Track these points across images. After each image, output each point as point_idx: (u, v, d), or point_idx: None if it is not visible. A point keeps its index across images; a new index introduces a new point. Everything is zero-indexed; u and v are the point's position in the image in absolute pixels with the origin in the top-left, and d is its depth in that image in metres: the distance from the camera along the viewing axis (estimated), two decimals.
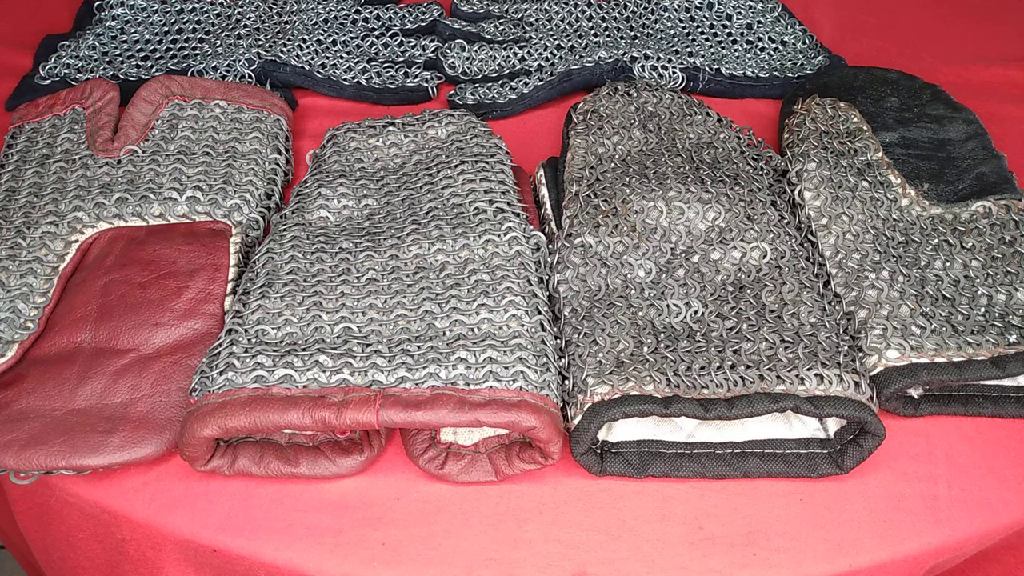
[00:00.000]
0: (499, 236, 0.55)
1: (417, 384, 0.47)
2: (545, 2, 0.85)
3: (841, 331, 0.52)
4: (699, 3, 0.84)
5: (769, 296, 0.53)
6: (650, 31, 0.83)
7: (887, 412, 0.52)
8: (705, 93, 0.77)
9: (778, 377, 0.48)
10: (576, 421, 0.48)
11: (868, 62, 0.78)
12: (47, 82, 0.75)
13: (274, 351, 0.48)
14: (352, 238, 0.56)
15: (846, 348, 0.51)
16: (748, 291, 0.54)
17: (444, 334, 0.49)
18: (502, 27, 0.83)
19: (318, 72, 0.77)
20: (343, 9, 0.83)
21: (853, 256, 0.56)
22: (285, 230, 0.57)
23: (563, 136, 0.66)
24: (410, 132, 0.65)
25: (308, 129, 0.74)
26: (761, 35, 0.82)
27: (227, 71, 0.75)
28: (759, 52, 0.81)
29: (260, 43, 0.77)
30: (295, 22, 0.81)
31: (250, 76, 0.75)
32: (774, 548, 0.46)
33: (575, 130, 0.65)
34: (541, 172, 0.64)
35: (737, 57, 0.80)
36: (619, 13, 0.85)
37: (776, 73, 0.79)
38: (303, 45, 0.78)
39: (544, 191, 0.63)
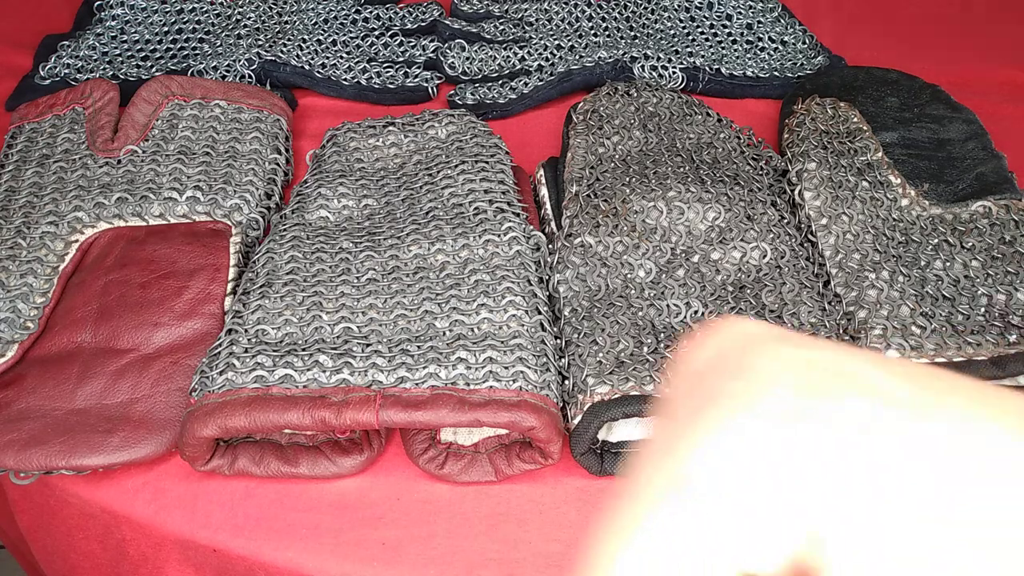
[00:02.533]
0: (499, 236, 0.55)
1: (417, 384, 0.47)
2: (545, 2, 0.85)
3: (841, 331, 0.52)
4: (699, 3, 0.84)
5: (769, 296, 0.53)
6: (650, 31, 0.83)
7: None
8: (705, 93, 0.77)
9: None
10: (576, 421, 0.48)
11: (868, 62, 0.78)
12: (47, 82, 0.75)
13: (274, 351, 0.48)
14: (352, 238, 0.56)
15: None
16: (748, 291, 0.54)
17: (444, 334, 0.49)
18: (502, 27, 0.83)
19: (318, 72, 0.77)
20: (343, 9, 0.83)
21: (853, 256, 0.56)
22: (285, 230, 0.57)
23: (563, 136, 0.66)
24: (410, 132, 0.65)
25: (308, 129, 0.74)
26: (761, 35, 0.82)
27: (227, 71, 0.75)
28: (759, 52, 0.81)
29: (260, 43, 0.77)
30: (295, 22, 0.81)
31: (250, 76, 0.75)
32: None
33: (575, 130, 0.65)
34: (541, 172, 0.64)
35: (737, 57, 0.80)
36: (619, 13, 0.85)
37: (776, 73, 0.79)
38: (303, 45, 0.78)
39: (544, 191, 0.63)
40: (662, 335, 0.51)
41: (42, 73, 0.76)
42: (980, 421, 0.13)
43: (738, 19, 0.83)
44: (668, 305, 0.53)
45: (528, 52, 0.79)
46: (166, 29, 0.81)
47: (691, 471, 0.14)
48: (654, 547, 0.13)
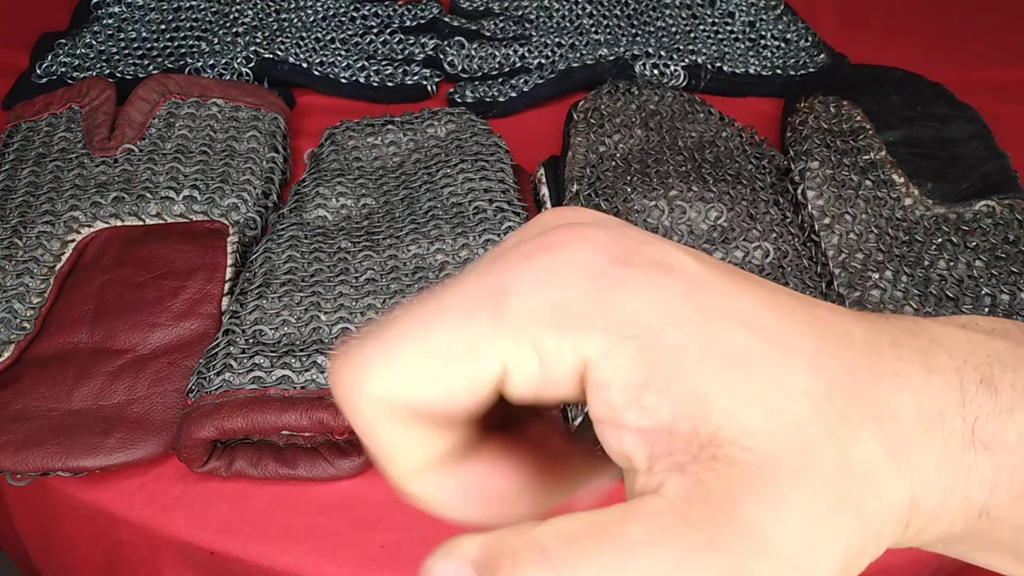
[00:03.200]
0: (499, 236, 0.54)
1: None
2: None
3: None
4: (701, 0, 0.84)
5: None
6: (651, 28, 0.82)
7: None
8: (707, 91, 0.77)
9: None
10: (577, 422, 0.47)
11: (871, 60, 0.78)
12: (44, 80, 0.75)
13: (272, 352, 0.48)
14: (351, 238, 0.56)
15: None
16: None
17: None
18: (502, 24, 0.82)
19: (316, 70, 0.76)
20: (341, 6, 0.83)
21: (856, 256, 0.56)
22: (283, 230, 0.56)
23: (564, 135, 0.66)
24: (409, 131, 0.64)
25: (306, 128, 0.73)
26: (763, 33, 0.82)
27: (225, 69, 0.75)
28: (761, 50, 0.81)
29: (258, 41, 0.77)
30: (293, 20, 0.81)
31: (248, 74, 0.75)
32: None
33: (576, 128, 0.64)
34: (541, 171, 0.64)
35: (739, 55, 0.80)
36: (620, 11, 0.84)
37: (778, 71, 0.78)
38: (301, 43, 0.78)
39: (544, 190, 0.62)
40: None
41: (39, 71, 0.75)
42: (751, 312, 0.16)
43: (740, 17, 0.83)
44: None
45: (528, 50, 0.79)
46: (163, 27, 0.80)
47: (499, 290, 0.16)
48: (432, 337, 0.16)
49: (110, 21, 0.80)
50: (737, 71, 0.77)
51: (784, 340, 0.16)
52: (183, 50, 0.78)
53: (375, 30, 0.81)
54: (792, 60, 0.80)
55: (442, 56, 0.78)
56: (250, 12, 0.81)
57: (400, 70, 0.77)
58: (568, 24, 0.83)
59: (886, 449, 0.16)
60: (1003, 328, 0.18)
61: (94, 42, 0.78)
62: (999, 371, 0.17)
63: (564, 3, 0.84)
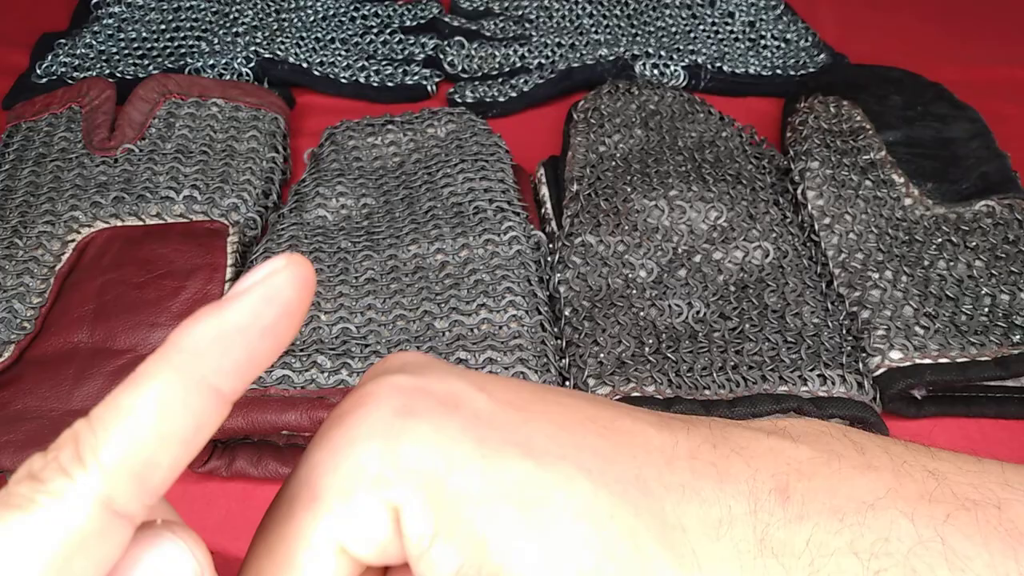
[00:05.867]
0: (499, 236, 0.54)
1: None
2: None
3: (844, 332, 0.52)
4: (701, 0, 0.84)
5: (772, 296, 0.53)
6: (651, 28, 0.82)
7: (889, 413, 0.52)
8: (707, 91, 0.77)
9: (781, 378, 0.48)
10: None
11: (871, 60, 0.78)
12: (44, 80, 0.75)
13: None
14: (350, 238, 0.56)
15: (849, 349, 0.50)
16: (751, 291, 0.54)
17: (443, 335, 0.49)
18: (502, 24, 0.82)
19: (316, 70, 0.76)
20: (341, 6, 0.83)
21: (856, 256, 0.56)
22: (283, 230, 0.56)
23: (564, 135, 0.66)
24: (409, 131, 0.64)
25: (306, 128, 0.73)
26: (764, 32, 0.82)
27: (225, 69, 0.75)
28: (761, 50, 0.81)
29: (258, 41, 0.77)
30: (293, 20, 0.81)
31: (248, 74, 0.75)
32: None
33: (576, 128, 0.64)
34: (541, 171, 0.64)
35: (739, 55, 0.80)
36: (620, 10, 0.84)
37: (779, 71, 0.79)
38: (301, 43, 0.78)
39: (544, 190, 0.62)
40: (664, 336, 0.51)
41: (39, 71, 0.75)
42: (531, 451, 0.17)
43: (740, 16, 0.83)
44: (670, 305, 0.52)
45: (528, 50, 0.79)
46: (163, 27, 0.80)
47: (310, 479, 0.17)
48: (280, 539, 0.17)
49: (110, 21, 0.80)
50: (737, 71, 0.77)
51: (567, 460, 0.16)
52: (183, 50, 0.78)
53: (375, 30, 0.81)
54: (792, 60, 0.80)
55: (442, 56, 0.78)
56: (250, 12, 0.81)
57: (400, 70, 0.77)
58: (568, 24, 0.83)
59: (676, 562, 0.16)
60: (814, 434, 0.19)
61: (94, 42, 0.78)
62: (794, 480, 0.18)
63: (564, 3, 0.84)
